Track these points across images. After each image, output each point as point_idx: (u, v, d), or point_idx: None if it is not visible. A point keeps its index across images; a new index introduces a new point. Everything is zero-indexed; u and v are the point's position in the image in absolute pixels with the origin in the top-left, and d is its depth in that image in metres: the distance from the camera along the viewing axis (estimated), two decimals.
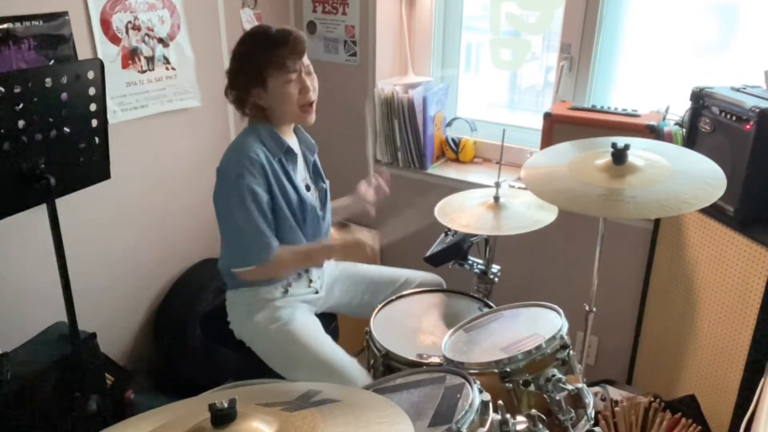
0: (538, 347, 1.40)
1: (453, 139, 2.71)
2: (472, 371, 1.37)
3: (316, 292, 1.92)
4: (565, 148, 1.79)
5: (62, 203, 1.64)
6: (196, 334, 2.29)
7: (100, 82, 1.66)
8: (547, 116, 2.20)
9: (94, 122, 1.70)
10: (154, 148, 2.33)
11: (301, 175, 1.84)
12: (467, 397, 1.20)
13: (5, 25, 1.78)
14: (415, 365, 1.57)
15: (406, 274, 2.05)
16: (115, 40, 2.10)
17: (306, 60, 1.73)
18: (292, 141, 1.83)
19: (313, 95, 1.75)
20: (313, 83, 1.75)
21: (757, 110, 1.67)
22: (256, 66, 1.68)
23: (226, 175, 1.69)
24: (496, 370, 1.38)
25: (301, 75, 1.71)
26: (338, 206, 2.05)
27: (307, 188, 1.85)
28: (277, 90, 1.69)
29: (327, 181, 1.94)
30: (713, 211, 1.87)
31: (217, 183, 1.72)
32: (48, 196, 1.59)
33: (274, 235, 1.72)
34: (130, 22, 2.13)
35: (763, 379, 1.62)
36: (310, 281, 1.90)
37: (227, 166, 1.70)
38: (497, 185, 1.91)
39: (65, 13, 1.93)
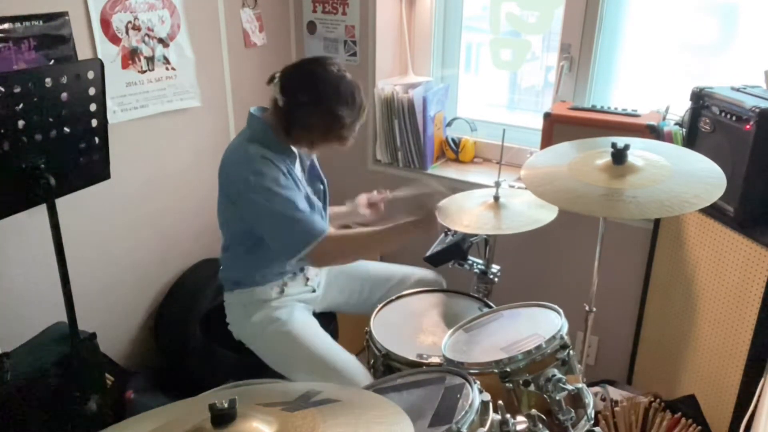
0: (538, 347, 1.40)
1: (453, 139, 2.71)
2: (472, 371, 1.37)
3: (314, 291, 1.92)
4: (565, 148, 1.79)
5: (62, 203, 1.64)
6: (196, 335, 2.29)
7: (100, 82, 1.66)
8: (547, 116, 2.20)
9: (94, 122, 1.70)
10: (154, 148, 2.32)
11: (297, 176, 1.84)
12: (467, 397, 1.20)
13: (5, 25, 1.78)
14: (415, 365, 1.57)
15: (404, 270, 2.05)
16: (115, 40, 2.10)
17: None
18: None
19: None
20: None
21: (757, 110, 1.67)
22: (343, 131, 1.69)
23: (245, 181, 1.64)
24: (496, 370, 1.38)
25: None
26: (334, 213, 2.05)
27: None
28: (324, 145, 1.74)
29: (325, 182, 1.94)
30: (713, 211, 1.87)
31: (239, 193, 1.67)
32: (48, 196, 1.59)
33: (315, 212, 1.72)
34: (130, 22, 2.13)
35: (763, 379, 1.62)
36: (307, 279, 1.90)
37: (241, 174, 1.65)
38: (497, 185, 1.91)
39: (65, 13, 1.92)
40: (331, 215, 2.03)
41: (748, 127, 1.70)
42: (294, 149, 1.80)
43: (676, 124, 2.10)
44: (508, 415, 1.20)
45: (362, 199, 2.04)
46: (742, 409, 1.70)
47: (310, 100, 1.65)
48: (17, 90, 1.47)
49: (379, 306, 1.84)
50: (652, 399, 2.03)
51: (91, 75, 1.64)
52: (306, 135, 1.70)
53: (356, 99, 1.69)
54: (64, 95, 1.59)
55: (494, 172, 1.98)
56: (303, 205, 1.66)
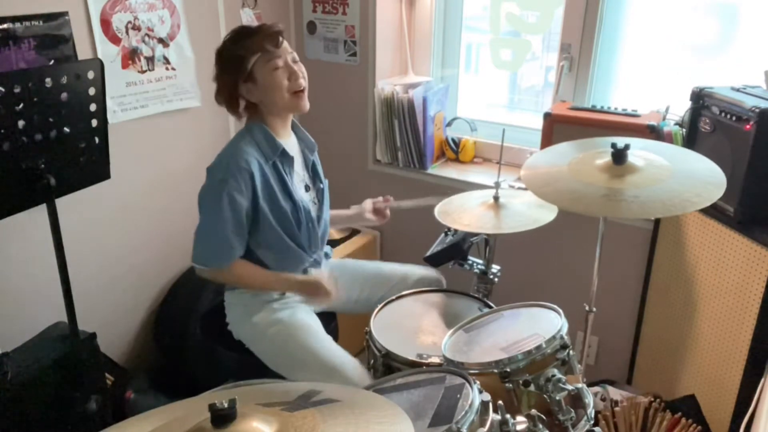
0: (538, 347, 1.40)
1: (453, 139, 2.71)
2: (472, 371, 1.37)
3: None
4: (565, 148, 1.79)
5: (62, 203, 1.64)
6: (196, 334, 2.29)
7: (100, 82, 1.66)
8: (547, 116, 2.20)
9: (94, 122, 1.70)
10: (154, 148, 2.32)
11: (299, 176, 1.83)
12: (467, 397, 1.20)
13: (5, 25, 1.78)
14: (415, 365, 1.57)
15: (404, 270, 2.05)
16: (115, 40, 2.10)
17: (290, 50, 1.74)
18: (290, 141, 1.82)
19: (303, 82, 1.74)
20: (301, 70, 1.74)
21: (757, 110, 1.67)
22: (238, 58, 1.69)
23: (212, 176, 1.69)
24: (496, 370, 1.38)
25: (288, 63, 1.71)
26: (339, 216, 2.06)
27: (306, 188, 1.85)
28: (266, 79, 1.69)
29: (325, 181, 1.94)
30: (713, 211, 1.87)
31: (205, 181, 1.72)
32: (48, 196, 1.59)
33: (242, 245, 1.73)
34: (130, 22, 2.13)
35: (763, 379, 1.62)
36: None
37: (215, 167, 1.70)
38: (497, 185, 1.91)
39: (65, 13, 1.93)
40: (336, 218, 2.04)
41: (748, 127, 1.70)
42: (291, 150, 1.79)
43: (676, 124, 2.11)
44: (508, 415, 1.20)
45: (368, 204, 2.05)
46: (742, 409, 1.70)
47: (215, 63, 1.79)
48: (17, 90, 1.47)
49: (379, 306, 1.84)
50: (652, 399, 2.03)
51: (91, 75, 1.64)
52: (226, 85, 1.76)
53: (232, 30, 1.76)
54: (64, 95, 1.59)
55: (494, 172, 1.98)
56: (230, 233, 1.69)
